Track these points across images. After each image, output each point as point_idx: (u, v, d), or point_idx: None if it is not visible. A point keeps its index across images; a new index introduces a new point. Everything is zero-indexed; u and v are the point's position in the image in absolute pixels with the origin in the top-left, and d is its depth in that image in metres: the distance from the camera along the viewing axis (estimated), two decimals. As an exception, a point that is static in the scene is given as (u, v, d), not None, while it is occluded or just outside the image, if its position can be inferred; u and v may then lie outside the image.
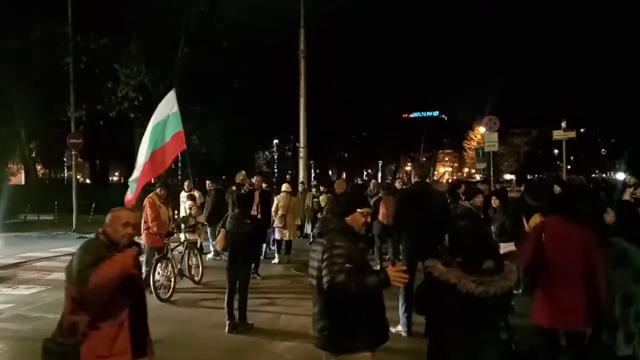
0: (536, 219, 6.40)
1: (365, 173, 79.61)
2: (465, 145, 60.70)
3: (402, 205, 6.12)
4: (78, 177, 21.03)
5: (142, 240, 8.40)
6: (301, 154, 19.48)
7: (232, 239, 5.95)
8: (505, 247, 6.67)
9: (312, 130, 47.65)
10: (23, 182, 28.59)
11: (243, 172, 11.10)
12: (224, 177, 21.22)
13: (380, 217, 8.97)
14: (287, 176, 22.68)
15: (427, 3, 45.64)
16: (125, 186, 8.72)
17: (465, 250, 2.79)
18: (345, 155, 61.28)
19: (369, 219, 3.18)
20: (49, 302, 7.40)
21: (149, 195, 8.42)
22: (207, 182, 11.69)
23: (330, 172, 65.57)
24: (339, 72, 39.32)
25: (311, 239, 12.51)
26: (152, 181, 9.04)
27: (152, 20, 15.93)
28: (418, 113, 77.15)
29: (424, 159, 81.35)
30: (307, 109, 19.24)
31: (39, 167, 32.81)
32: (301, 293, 7.87)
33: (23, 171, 27.82)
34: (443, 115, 75.38)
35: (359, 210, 3.12)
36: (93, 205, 19.39)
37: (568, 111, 25.65)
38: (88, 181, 38.15)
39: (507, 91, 46.35)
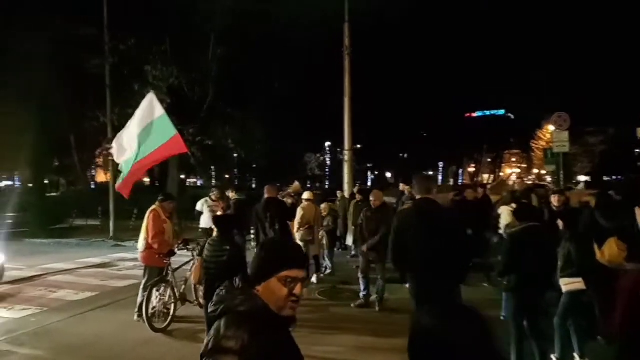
0: (612, 245, 4.80)
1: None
2: (533, 145, 56.70)
3: (402, 232, 4.61)
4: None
5: (140, 258, 7.49)
6: (346, 157, 18.22)
7: (208, 270, 4.79)
8: (569, 284, 5.09)
9: (368, 132, 46.38)
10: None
11: (297, 183, 10.08)
12: (278, 183, 20.36)
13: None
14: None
15: (490, -6, 42.85)
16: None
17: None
18: (405, 157, 59.21)
19: (298, 291, 1.81)
20: (31, 330, 6.56)
21: (154, 207, 7.41)
22: (230, 191, 10.59)
23: (390, 175, 63.75)
24: (398, 70, 37.78)
25: (352, 252, 11.35)
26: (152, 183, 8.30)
27: (181, 19, 15.27)
28: (482, 112, 73.75)
29: (489, 159, 77.67)
30: (352, 109, 17.97)
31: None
32: (321, 328, 6.62)
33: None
34: (509, 114, 71.60)
35: (284, 273, 1.78)
36: (135, 212, 19.09)
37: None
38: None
39: (579, 86, 42.64)
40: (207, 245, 4.86)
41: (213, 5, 15.55)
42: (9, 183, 46.16)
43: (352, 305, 7.53)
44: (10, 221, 20.53)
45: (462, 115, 64.95)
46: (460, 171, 77.14)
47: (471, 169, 74.64)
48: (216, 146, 17.20)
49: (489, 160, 75.10)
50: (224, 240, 4.76)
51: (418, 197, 4.80)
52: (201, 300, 7.59)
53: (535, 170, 70.27)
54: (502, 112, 70.38)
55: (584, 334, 5.24)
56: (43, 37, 14.39)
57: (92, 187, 36.72)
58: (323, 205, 9.66)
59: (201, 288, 5.54)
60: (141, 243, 7.24)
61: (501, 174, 74.92)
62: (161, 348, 5.96)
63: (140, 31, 14.77)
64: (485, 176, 73.21)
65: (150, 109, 8.16)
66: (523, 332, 4.89)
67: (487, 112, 67.47)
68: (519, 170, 79.24)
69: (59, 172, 41.08)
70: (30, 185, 22.73)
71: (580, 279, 5.01)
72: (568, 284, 5.08)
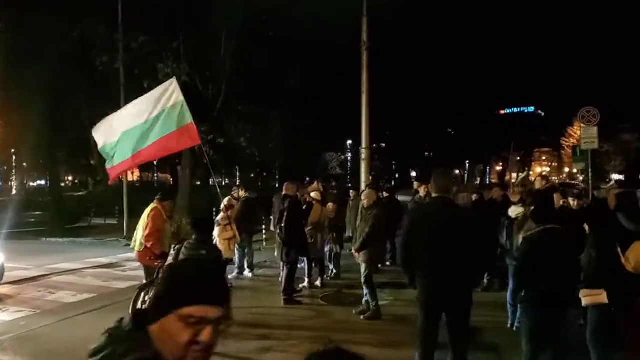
0: (637, 250, 4.22)
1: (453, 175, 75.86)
2: (564, 142, 54.87)
3: (412, 232, 4.20)
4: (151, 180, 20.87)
5: (135, 256, 7.19)
6: (363, 156, 17.65)
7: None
8: (588, 296, 4.48)
9: (394, 130, 45.62)
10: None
11: (316, 183, 9.70)
12: (305, 182, 20.03)
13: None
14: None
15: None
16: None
17: None
18: (430, 154, 58.10)
19: (205, 337, 1.32)
20: (17, 334, 6.33)
21: (154, 205, 7.07)
22: (238, 189, 10.19)
23: (415, 174, 62.67)
24: (425, 67, 36.95)
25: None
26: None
27: (194, 16, 15.01)
28: (511, 109, 72.02)
29: (517, 158, 75.71)
30: (370, 106, 17.43)
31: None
32: (316, 337, 6.16)
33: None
34: (539, 111, 69.66)
35: (185, 310, 1.25)
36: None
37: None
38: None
39: (614, 82, 40.93)
40: (183, 248, 4.47)
41: (227, 1, 15.24)
42: (42, 182, 47.22)
43: (354, 311, 7.06)
44: (32, 220, 20.84)
45: (491, 113, 63.38)
46: (488, 170, 75.46)
47: (499, 168, 72.92)
48: (228, 145, 16.93)
49: (518, 158, 73.27)
50: (200, 244, 4.37)
51: (434, 195, 4.37)
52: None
53: (567, 169, 68.07)
54: (531, 109, 68.49)
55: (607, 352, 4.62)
56: (60, 37, 14.39)
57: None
58: (329, 206, 9.19)
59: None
60: (139, 241, 6.94)
61: (531, 172, 72.99)
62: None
63: (152, 28, 14.60)
64: (514, 175, 71.39)
65: (168, 96, 7.71)
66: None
67: (517, 109, 65.68)
68: (549, 169, 77.11)
69: (87, 171, 41.82)
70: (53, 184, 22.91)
71: (601, 291, 4.40)
72: (587, 296, 4.46)
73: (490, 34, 39.28)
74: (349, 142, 41.39)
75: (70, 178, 53.21)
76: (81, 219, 21.02)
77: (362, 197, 7.16)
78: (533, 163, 79.76)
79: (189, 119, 7.66)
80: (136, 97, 14.93)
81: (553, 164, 77.47)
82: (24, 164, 38.33)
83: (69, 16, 14.65)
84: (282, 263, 8.08)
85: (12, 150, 36.30)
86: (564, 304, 4.25)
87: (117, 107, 15.46)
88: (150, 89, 14.97)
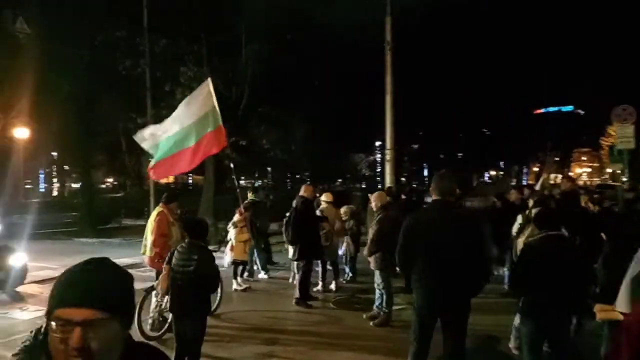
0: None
1: (487, 175, 74.20)
2: (603, 142, 52.83)
3: (409, 236, 4.05)
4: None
5: (146, 262, 7.25)
6: (387, 157, 17.42)
7: (174, 280, 4.36)
8: (603, 312, 4.19)
9: (424, 129, 44.88)
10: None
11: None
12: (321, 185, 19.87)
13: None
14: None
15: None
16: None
17: None
18: (462, 156, 56.96)
19: (75, 342, 1.20)
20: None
21: (160, 209, 7.14)
22: (248, 194, 10.19)
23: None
24: (457, 64, 36.28)
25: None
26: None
27: (216, 19, 15.13)
28: (549, 108, 69.93)
29: (556, 158, 73.36)
30: (394, 107, 17.18)
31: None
32: (323, 343, 6.06)
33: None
34: (579, 110, 67.38)
35: (57, 312, 1.24)
36: (178, 212, 19.23)
37: None
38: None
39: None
40: (175, 252, 4.44)
41: (249, 3, 15.31)
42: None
43: (364, 316, 6.89)
44: (68, 220, 21.50)
45: (527, 112, 61.66)
46: (525, 171, 73.53)
47: (536, 169, 70.89)
48: (251, 147, 17.00)
49: (557, 159, 71.00)
50: (193, 248, 4.32)
51: (434, 198, 4.22)
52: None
53: (609, 170, 65.53)
54: (570, 108, 66.32)
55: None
56: (86, 42, 14.78)
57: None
58: (343, 209, 9.04)
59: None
60: (148, 247, 6.99)
61: (570, 173, 70.64)
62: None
63: (173, 32, 14.80)
64: (552, 176, 69.14)
65: (208, 98, 7.90)
66: None
67: (553, 109, 63.73)
68: (590, 170, 74.42)
69: (124, 173, 42.98)
70: (93, 186, 23.59)
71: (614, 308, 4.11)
72: (600, 311, 4.17)
73: (526, 31, 38.15)
74: (378, 143, 41.04)
75: (110, 180, 55.05)
76: (113, 220, 21.56)
77: (371, 199, 6.98)
78: (573, 163, 77.24)
79: (220, 121, 7.84)
80: (160, 101, 15.33)
81: (594, 165, 74.69)
82: (65, 167, 39.76)
83: (93, 21, 15.01)
84: (294, 265, 8.00)
85: (53, 154, 37.76)
86: (565, 314, 4.00)
87: (144, 110, 15.85)
88: (172, 92, 15.37)
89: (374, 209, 6.84)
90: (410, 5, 19.11)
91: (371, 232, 6.68)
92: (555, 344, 4.11)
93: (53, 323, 1.25)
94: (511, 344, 5.40)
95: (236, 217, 9.06)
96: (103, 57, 15.24)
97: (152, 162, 8.09)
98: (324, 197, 8.86)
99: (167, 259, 4.48)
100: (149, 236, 7.02)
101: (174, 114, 8.38)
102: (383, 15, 17.05)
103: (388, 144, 17.40)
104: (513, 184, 59.32)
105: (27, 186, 47.75)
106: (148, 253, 7.03)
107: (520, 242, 5.20)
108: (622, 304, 3.08)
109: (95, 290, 1.28)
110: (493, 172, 71.86)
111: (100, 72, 15.65)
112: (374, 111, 26.27)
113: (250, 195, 9.88)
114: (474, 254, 3.93)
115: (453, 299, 3.93)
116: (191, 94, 8.37)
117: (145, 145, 8.27)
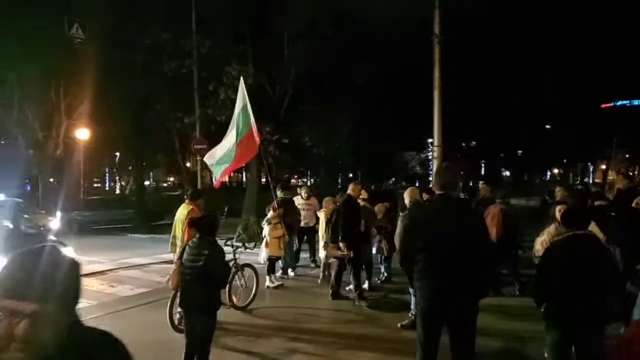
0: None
1: (549, 174, 70.88)
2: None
3: (411, 231, 3.84)
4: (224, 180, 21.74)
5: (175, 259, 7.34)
6: (435, 154, 16.93)
7: (184, 276, 4.36)
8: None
9: (483, 128, 43.31)
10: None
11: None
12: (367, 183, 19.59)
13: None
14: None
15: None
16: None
17: None
18: (523, 153, 54.40)
19: (19, 331, 1.27)
20: None
21: (189, 207, 7.05)
22: (277, 191, 10.05)
23: (508, 174, 59.17)
24: (519, 56, 34.76)
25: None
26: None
27: (260, 18, 15.26)
28: (620, 102, 65.79)
29: (626, 155, 68.83)
30: (442, 102, 16.65)
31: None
32: (346, 345, 5.92)
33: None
34: (650, 104, 62.86)
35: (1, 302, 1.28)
36: (226, 209, 19.68)
37: None
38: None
39: None
40: (186, 248, 4.44)
41: (292, 3, 15.35)
42: (146, 183, 51.24)
43: (399, 325, 6.52)
44: (125, 217, 22.47)
45: (596, 106, 58.20)
46: (592, 169, 69.55)
47: (604, 166, 66.85)
48: (294, 145, 17.01)
49: (627, 155, 66.62)
50: (203, 244, 4.30)
51: (437, 192, 3.99)
52: (235, 301, 7.26)
53: (687, 168, 60.67)
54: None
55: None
56: (134, 45, 15.35)
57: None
58: (377, 207, 8.81)
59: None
60: (178, 246, 6.83)
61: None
62: (170, 352, 5.66)
63: (218, 32, 15.07)
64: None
65: (242, 97, 8.46)
66: None
67: (621, 102, 59.73)
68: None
69: (179, 172, 44.53)
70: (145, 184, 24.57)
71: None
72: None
73: (594, 18, 35.82)
74: (430, 140, 40.10)
75: (171, 179, 57.55)
76: (167, 217, 22.29)
77: (404, 196, 6.69)
78: (643, 161, 72.16)
79: (251, 124, 8.27)
80: (205, 100, 15.70)
81: (670, 162, 69.40)
82: (130, 167, 41.78)
83: (139, 25, 15.57)
84: (321, 264, 7.90)
85: (116, 154, 39.76)
86: (592, 320, 3.64)
87: (190, 110, 16.26)
88: (216, 91, 15.68)
89: (408, 207, 6.57)
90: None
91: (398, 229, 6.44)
92: (583, 357, 3.76)
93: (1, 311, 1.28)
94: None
95: (270, 214, 9.08)
96: (151, 59, 15.77)
97: (217, 175, 8.74)
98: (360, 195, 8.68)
99: (178, 254, 4.49)
100: (178, 234, 7.04)
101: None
102: (428, 10, 16.59)
103: (435, 141, 16.93)
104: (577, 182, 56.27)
105: (96, 185, 50.59)
106: (179, 251, 7.07)
107: (538, 242, 4.79)
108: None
109: (21, 280, 1.30)
110: (556, 170, 68.44)
111: (150, 74, 16.21)
112: (425, 107, 25.67)
113: (279, 193, 9.82)
114: (477, 251, 3.68)
115: (457, 299, 3.67)
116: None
117: (208, 161, 8.89)
